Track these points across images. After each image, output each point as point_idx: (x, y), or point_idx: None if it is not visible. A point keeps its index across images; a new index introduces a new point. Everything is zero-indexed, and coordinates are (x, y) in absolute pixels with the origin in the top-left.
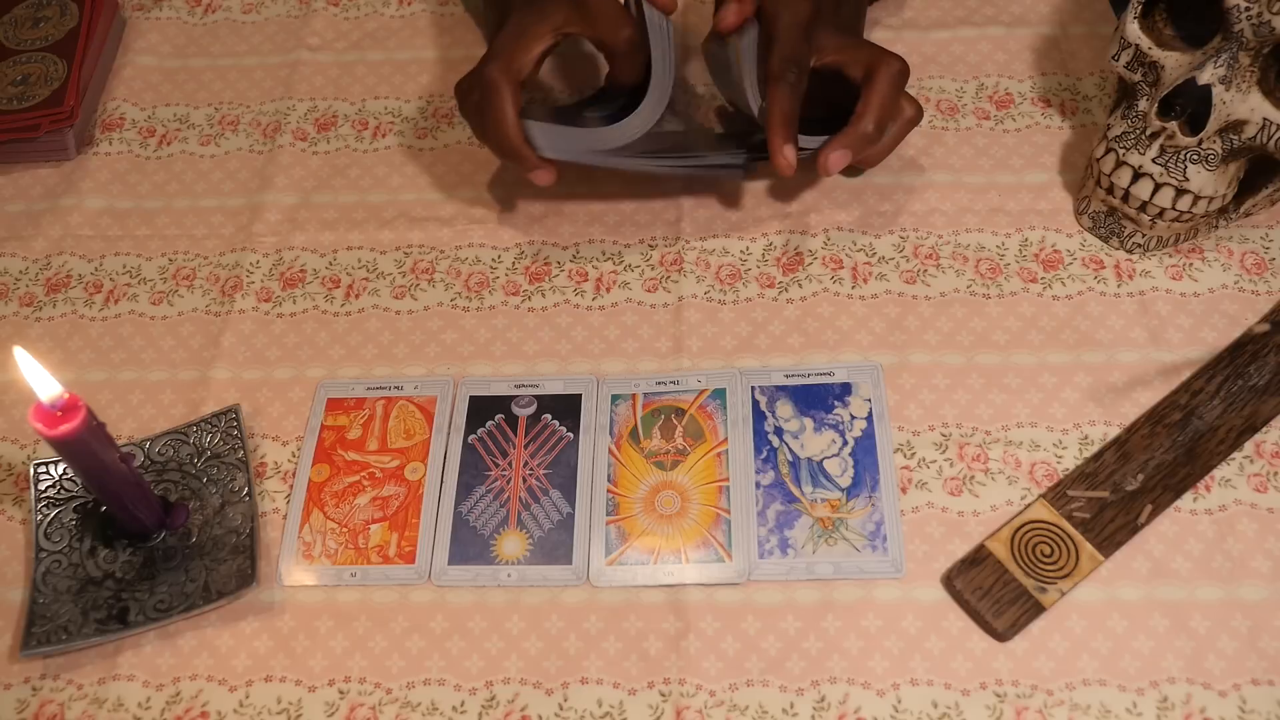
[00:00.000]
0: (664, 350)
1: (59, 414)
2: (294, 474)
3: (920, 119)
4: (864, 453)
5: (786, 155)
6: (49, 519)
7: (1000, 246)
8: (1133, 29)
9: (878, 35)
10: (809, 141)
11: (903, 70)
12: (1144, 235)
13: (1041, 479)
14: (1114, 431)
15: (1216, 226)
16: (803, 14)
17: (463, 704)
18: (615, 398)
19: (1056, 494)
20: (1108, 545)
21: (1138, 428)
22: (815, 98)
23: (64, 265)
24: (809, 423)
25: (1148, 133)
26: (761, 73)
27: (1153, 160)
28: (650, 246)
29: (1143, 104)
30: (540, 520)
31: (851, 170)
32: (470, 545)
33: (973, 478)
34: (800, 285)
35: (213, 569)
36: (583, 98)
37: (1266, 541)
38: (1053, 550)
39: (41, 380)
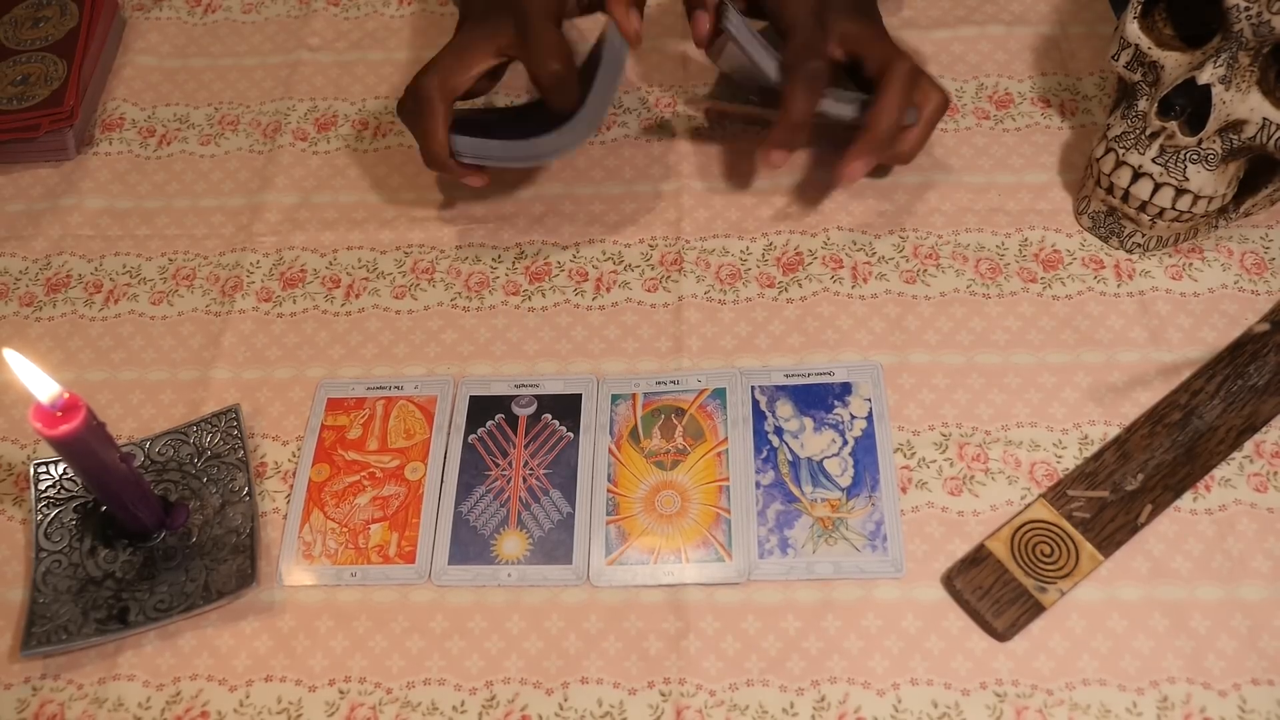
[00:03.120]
0: (664, 350)
1: (59, 414)
2: (294, 474)
3: (947, 105)
4: (864, 452)
5: (774, 160)
6: (49, 519)
7: (1000, 246)
8: (1132, 29)
9: None
10: (840, 104)
11: (912, 70)
12: (1144, 235)
13: (1041, 479)
14: (1114, 431)
15: (1216, 226)
16: (810, 1)
17: (463, 704)
18: (615, 397)
19: (1056, 494)
20: (1108, 545)
21: (1138, 427)
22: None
23: (64, 265)
24: (809, 422)
25: (1147, 132)
26: (774, 55)
27: (1152, 160)
28: (650, 246)
29: (1142, 104)
30: (540, 520)
31: (880, 170)
32: (470, 545)
33: (973, 477)
34: (800, 285)
35: (213, 569)
36: (523, 102)
37: (1266, 541)
38: (1053, 550)
39: (37, 381)
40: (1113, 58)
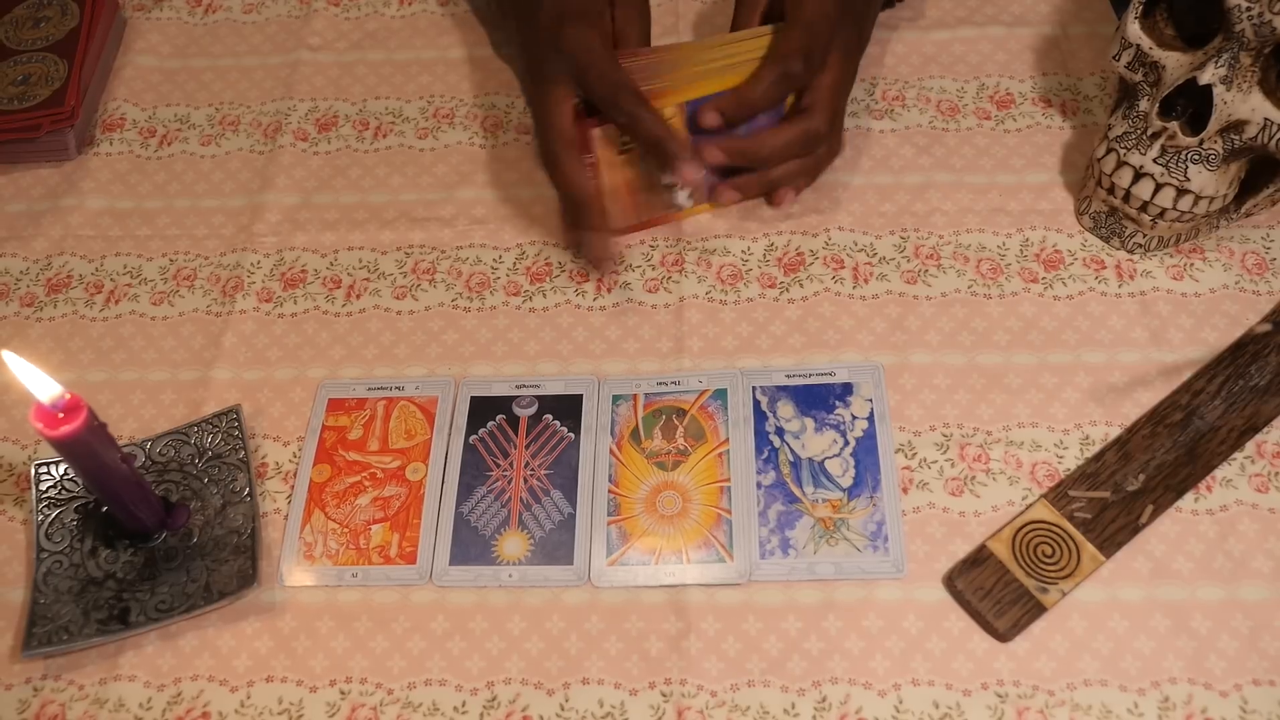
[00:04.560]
0: (665, 350)
1: (60, 414)
2: (295, 474)
3: (833, 158)
4: (865, 453)
5: (709, 119)
6: (50, 519)
7: (1001, 246)
8: (1134, 29)
9: (878, 34)
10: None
11: (792, 72)
12: (1145, 235)
13: (1043, 479)
14: (1115, 432)
15: (1217, 226)
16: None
17: (464, 704)
18: (616, 398)
19: (1058, 494)
20: (1109, 545)
21: (1139, 428)
22: None
23: (65, 265)
24: (810, 423)
25: (1149, 133)
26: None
27: (1154, 160)
28: (651, 246)
29: (1144, 104)
30: (541, 521)
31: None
32: (471, 546)
33: (974, 478)
34: (801, 285)
35: (214, 569)
36: None
37: (1267, 541)
38: (1054, 550)
39: (37, 382)
40: (1114, 58)
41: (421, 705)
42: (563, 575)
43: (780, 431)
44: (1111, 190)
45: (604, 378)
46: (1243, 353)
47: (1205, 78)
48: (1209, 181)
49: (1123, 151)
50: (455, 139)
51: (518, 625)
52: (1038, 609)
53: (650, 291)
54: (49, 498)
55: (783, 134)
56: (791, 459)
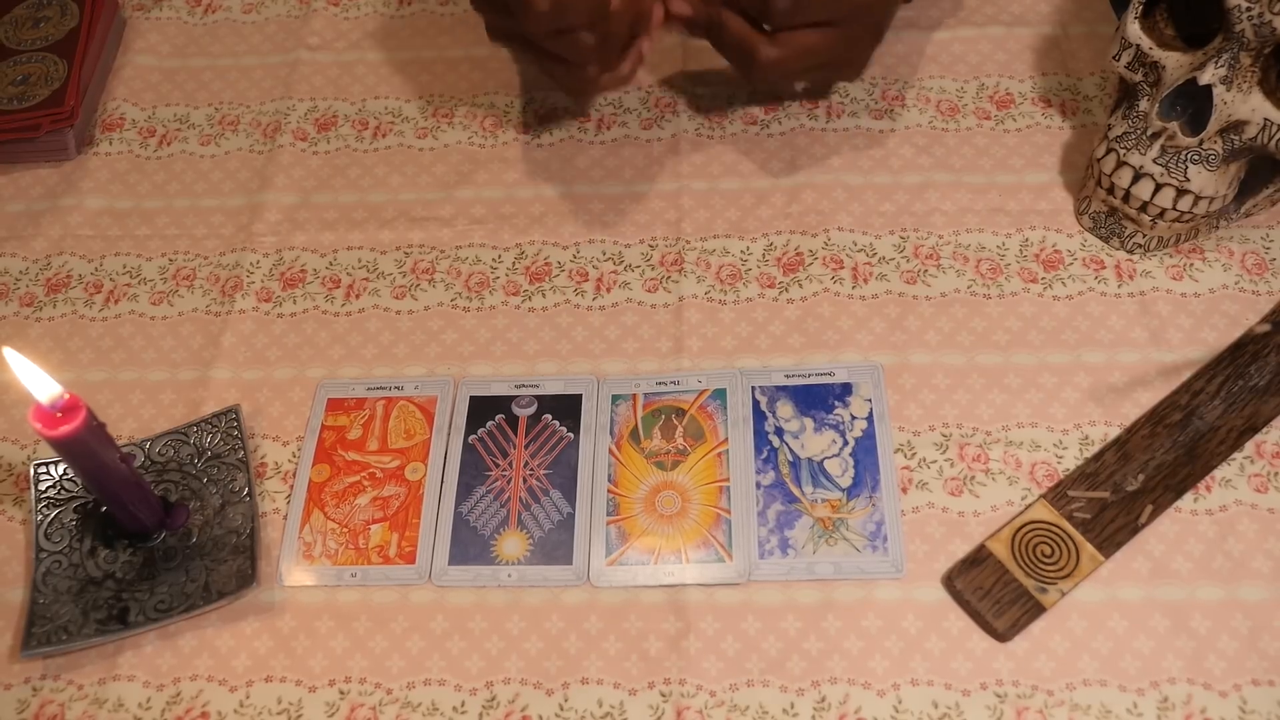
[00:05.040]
0: (664, 350)
1: (59, 414)
2: (294, 474)
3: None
4: (864, 453)
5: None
6: (49, 519)
7: (1001, 246)
8: (1133, 29)
9: None
10: None
11: (777, 7)
12: (1144, 235)
13: (1042, 479)
14: (1114, 432)
15: (1217, 227)
16: None
17: (463, 704)
18: (615, 398)
19: (1057, 494)
20: (1108, 545)
21: (1138, 428)
22: None
23: (64, 265)
24: (809, 423)
25: (1148, 133)
26: None
27: (1153, 160)
28: (650, 246)
29: (1143, 104)
30: (540, 520)
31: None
32: (470, 545)
33: (973, 478)
34: (801, 285)
35: (213, 569)
36: None
37: (1267, 542)
38: (1053, 550)
39: (37, 381)
40: (1114, 58)
41: (421, 705)
42: (562, 575)
43: (779, 431)
44: (1111, 190)
45: (603, 377)
46: (1242, 353)
47: (1205, 78)
48: (1209, 181)
49: (1122, 151)
50: (454, 139)
51: (517, 625)
52: (1037, 609)
53: (649, 291)
54: (48, 497)
55: None
56: (791, 459)
